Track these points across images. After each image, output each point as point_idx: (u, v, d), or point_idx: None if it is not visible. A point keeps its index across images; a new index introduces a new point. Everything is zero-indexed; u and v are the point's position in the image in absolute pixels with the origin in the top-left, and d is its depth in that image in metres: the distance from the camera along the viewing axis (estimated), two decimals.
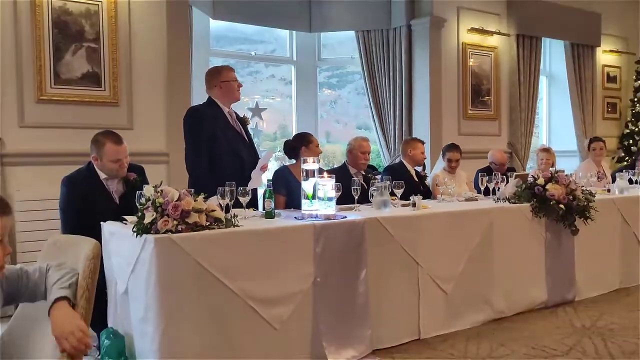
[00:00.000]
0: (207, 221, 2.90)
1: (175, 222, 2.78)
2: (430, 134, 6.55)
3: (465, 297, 3.91)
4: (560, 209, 4.28)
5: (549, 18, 7.63)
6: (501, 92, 7.43)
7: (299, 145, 4.41)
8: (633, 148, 8.38)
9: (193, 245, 2.81)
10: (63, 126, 4.64)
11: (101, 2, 4.77)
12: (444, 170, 5.48)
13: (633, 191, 5.25)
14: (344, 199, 3.70)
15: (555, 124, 8.61)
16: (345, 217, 3.45)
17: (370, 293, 3.44)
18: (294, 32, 6.72)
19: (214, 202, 3.11)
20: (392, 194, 4.10)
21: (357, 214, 3.63)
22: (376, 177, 4.54)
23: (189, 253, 2.80)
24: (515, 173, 4.79)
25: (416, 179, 5.12)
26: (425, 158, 5.28)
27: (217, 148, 3.85)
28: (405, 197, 4.14)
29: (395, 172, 4.87)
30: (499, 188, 4.53)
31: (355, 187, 3.76)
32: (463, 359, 3.41)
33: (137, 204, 2.89)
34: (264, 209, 3.50)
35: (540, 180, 4.32)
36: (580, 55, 8.14)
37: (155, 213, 2.78)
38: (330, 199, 3.37)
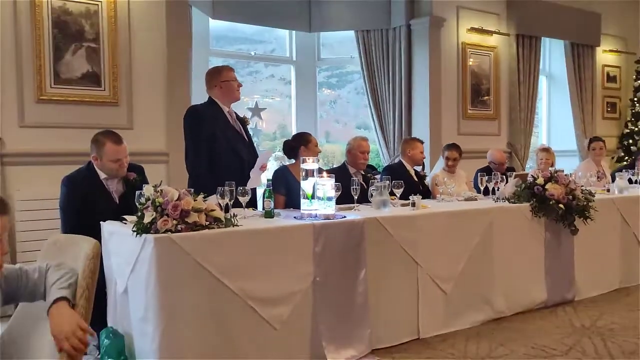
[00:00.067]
0: (206, 221, 2.90)
1: (174, 222, 2.78)
2: (429, 133, 6.55)
3: (465, 297, 3.91)
4: (559, 209, 4.28)
5: (548, 18, 7.63)
6: (501, 92, 7.44)
7: (298, 145, 4.42)
8: (633, 148, 8.38)
9: (193, 244, 2.82)
10: (63, 126, 4.65)
11: (101, 2, 4.77)
12: (443, 170, 5.48)
13: (633, 191, 5.25)
14: (343, 198, 3.70)
15: (554, 124, 8.62)
16: (345, 216, 3.46)
17: (369, 293, 3.44)
18: (294, 32, 6.72)
19: (213, 200, 3.12)
20: (392, 193, 4.10)
21: (356, 213, 3.63)
22: (375, 176, 4.54)
23: (189, 253, 2.80)
24: (514, 173, 4.80)
25: (415, 179, 5.12)
26: (424, 158, 5.28)
27: (217, 147, 3.85)
28: (404, 196, 4.14)
29: (395, 171, 4.87)
30: (498, 188, 4.53)
31: (354, 186, 3.76)
32: (462, 359, 3.41)
33: (137, 204, 2.89)
34: (263, 208, 3.51)
35: (540, 180, 4.32)
36: (580, 55, 8.15)
37: (154, 213, 2.78)
38: (329, 199, 3.37)
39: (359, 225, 3.43)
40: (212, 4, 5.79)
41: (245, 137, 4.08)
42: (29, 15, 4.50)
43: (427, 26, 6.54)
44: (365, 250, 3.44)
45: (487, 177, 4.61)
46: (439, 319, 3.79)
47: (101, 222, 3.25)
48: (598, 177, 5.89)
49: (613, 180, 5.59)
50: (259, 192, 3.90)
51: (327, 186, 3.36)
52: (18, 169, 4.51)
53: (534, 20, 7.51)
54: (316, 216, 3.34)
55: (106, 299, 3.21)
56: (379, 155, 6.80)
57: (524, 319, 4.11)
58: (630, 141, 8.49)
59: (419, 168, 5.34)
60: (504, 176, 4.65)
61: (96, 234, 2.87)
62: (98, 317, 2.86)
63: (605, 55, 8.66)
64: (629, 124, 8.60)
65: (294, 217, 3.42)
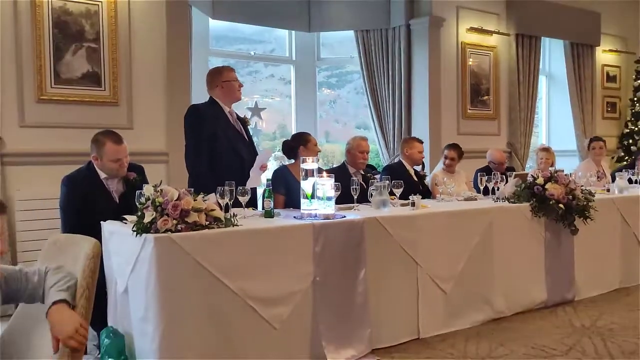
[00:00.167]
0: (206, 220, 2.91)
1: (174, 222, 2.79)
2: (429, 133, 6.55)
3: (465, 297, 3.91)
4: (559, 209, 4.28)
5: (548, 17, 7.64)
6: (500, 92, 7.44)
7: (297, 145, 4.42)
8: (633, 148, 8.38)
9: (193, 244, 2.82)
10: (63, 126, 4.65)
11: (101, 2, 4.78)
12: (443, 170, 5.48)
13: (633, 191, 5.25)
14: (343, 198, 3.70)
15: (554, 124, 8.62)
16: (345, 216, 3.46)
17: (369, 292, 3.44)
18: (293, 31, 6.73)
19: (213, 198, 3.12)
20: (391, 193, 4.11)
21: (356, 213, 3.63)
22: (375, 176, 4.54)
23: (189, 252, 2.80)
24: (514, 173, 4.80)
25: (415, 179, 5.12)
26: (422, 157, 5.26)
27: (217, 147, 3.86)
28: (404, 196, 4.14)
29: (395, 171, 4.87)
30: (498, 188, 4.53)
31: (354, 186, 3.77)
32: (462, 359, 3.41)
33: (137, 204, 2.89)
34: (263, 208, 3.51)
35: (540, 180, 4.32)
36: (580, 55, 8.15)
37: (154, 212, 2.78)
38: (329, 199, 3.37)
39: (359, 225, 3.43)
40: (212, 4, 5.79)
41: (246, 137, 4.09)
42: (29, 16, 4.50)
43: (427, 26, 6.54)
44: (365, 250, 3.44)
45: (486, 177, 4.60)
46: (438, 318, 3.79)
47: (101, 222, 3.25)
48: (598, 177, 5.90)
49: (613, 180, 5.59)
50: (259, 191, 3.90)
51: (327, 186, 3.36)
52: (18, 168, 4.51)
53: (533, 20, 7.52)
54: (316, 216, 3.34)
55: (106, 298, 3.21)
56: (379, 155, 6.81)
57: (524, 319, 4.11)
58: (630, 141, 8.49)
59: (418, 168, 5.33)
60: (504, 176, 4.65)
61: (96, 234, 2.87)
62: (98, 316, 2.87)
63: (605, 55, 8.66)
64: (629, 123, 8.60)
65: (294, 217, 3.42)
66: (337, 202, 3.51)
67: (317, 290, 3.25)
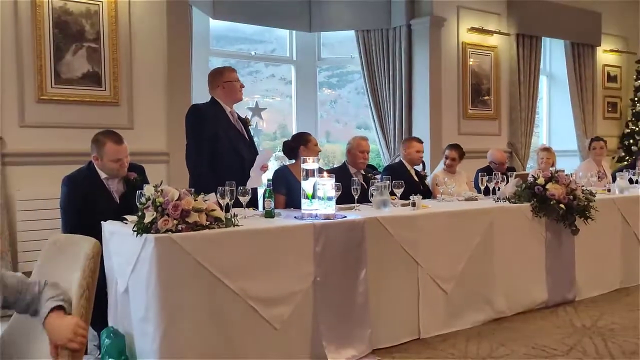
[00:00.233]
0: (207, 220, 2.90)
1: (175, 222, 2.78)
2: (430, 133, 6.55)
3: (466, 297, 3.91)
4: (560, 209, 4.28)
5: (549, 17, 7.63)
6: (501, 92, 7.44)
7: (297, 145, 4.41)
8: (633, 148, 8.39)
9: (193, 244, 2.82)
10: (63, 126, 4.65)
11: (101, 2, 4.78)
12: (443, 170, 5.48)
13: (633, 191, 5.25)
14: (343, 198, 3.70)
15: (555, 124, 8.62)
16: (345, 216, 3.46)
17: (370, 293, 3.44)
18: (294, 31, 6.73)
19: (213, 198, 3.12)
20: (392, 193, 4.10)
21: (357, 213, 3.63)
22: (376, 176, 4.54)
23: (189, 252, 2.80)
24: (515, 173, 4.80)
25: (416, 179, 5.12)
26: (420, 157, 5.22)
27: (219, 147, 3.86)
28: (405, 196, 4.14)
29: (395, 171, 4.87)
30: (499, 188, 4.53)
31: (355, 186, 3.77)
32: (463, 359, 3.41)
33: (138, 204, 2.89)
34: (264, 208, 3.51)
35: (541, 180, 4.32)
36: (581, 55, 8.15)
37: (155, 212, 2.78)
38: (330, 199, 3.37)
39: (360, 225, 3.43)
40: (213, 4, 5.79)
41: (247, 137, 4.09)
42: (29, 15, 4.50)
43: (428, 26, 6.54)
44: (366, 250, 3.44)
45: (487, 177, 4.60)
46: (439, 319, 3.78)
47: (102, 222, 3.25)
48: (599, 177, 5.90)
49: (614, 180, 5.59)
50: (260, 192, 3.90)
51: (328, 186, 3.36)
52: (19, 168, 4.51)
53: (534, 20, 7.51)
54: (317, 216, 3.34)
55: (107, 299, 3.21)
56: (380, 155, 6.80)
57: (525, 319, 4.11)
58: (631, 141, 8.49)
59: (419, 168, 5.33)
60: (505, 176, 4.65)
61: (97, 234, 2.87)
62: (99, 317, 2.87)
63: (606, 55, 8.66)
64: (630, 123, 8.60)
65: (295, 217, 3.42)
66: (337, 202, 3.51)
67: (318, 291, 3.25)
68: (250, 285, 2.99)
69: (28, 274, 2.24)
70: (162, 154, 5.08)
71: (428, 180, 5.34)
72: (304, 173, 3.39)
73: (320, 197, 3.36)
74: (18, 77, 4.50)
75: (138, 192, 2.98)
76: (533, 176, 4.43)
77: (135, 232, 2.78)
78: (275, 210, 3.53)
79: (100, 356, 2.96)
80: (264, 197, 3.51)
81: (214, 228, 2.93)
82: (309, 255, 3.22)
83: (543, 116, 8.66)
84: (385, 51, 6.62)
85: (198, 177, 3.81)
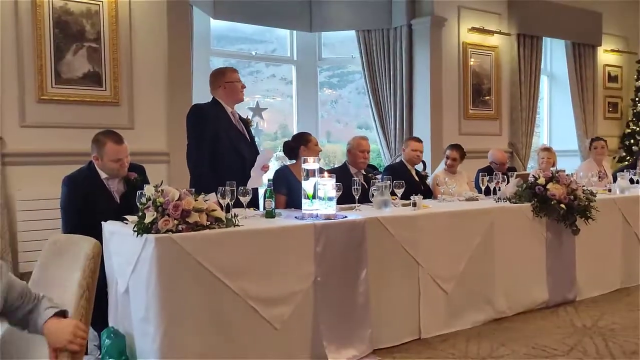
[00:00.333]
0: (207, 221, 2.90)
1: (175, 222, 2.78)
2: (430, 133, 6.55)
3: (466, 297, 3.91)
4: (561, 209, 4.28)
5: (549, 17, 7.63)
6: (502, 92, 7.43)
7: (298, 145, 4.41)
8: (634, 148, 8.38)
9: (194, 244, 2.82)
10: (64, 126, 4.65)
11: (102, 2, 4.77)
12: (444, 170, 5.48)
13: (634, 191, 5.25)
14: (344, 198, 3.70)
15: (556, 124, 8.61)
16: (346, 216, 3.45)
17: (370, 293, 3.44)
18: (295, 31, 6.72)
19: (214, 198, 3.12)
20: (393, 193, 4.10)
21: (357, 213, 3.63)
22: (377, 176, 4.54)
23: (190, 253, 2.80)
24: (516, 173, 4.80)
25: (417, 179, 5.12)
26: (418, 156, 5.19)
27: (220, 147, 3.86)
28: (405, 196, 4.14)
29: (396, 171, 4.87)
30: (499, 188, 4.52)
31: (355, 186, 3.76)
32: (463, 359, 3.41)
33: (138, 204, 2.89)
34: (264, 208, 3.51)
35: (541, 180, 4.32)
36: (581, 55, 8.14)
37: (155, 213, 2.78)
38: (330, 199, 3.37)
39: (360, 225, 3.43)
40: (213, 3, 5.79)
41: (248, 138, 4.09)
42: (30, 15, 4.50)
43: (428, 26, 6.53)
44: (367, 250, 3.44)
45: (488, 177, 4.60)
46: (440, 319, 3.78)
47: (102, 222, 3.25)
48: (599, 177, 5.89)
49: (614, 180, 5.58)
50: (260, 192, 3.90)
51: (328, 186, 3.36)
52: (19, 168, 4.51)
53: (535, 20, 7.51)
54: (317, 216, 3.34)
55: (107, 299, 3.21)
56: (380, 155, 6.80)
57: (525, 319, 4.11)
58: (632, 141, 8.49)
59: (420, 168, 5.33)
60: (505, 176, 4.64)
61: (97, 234, 2.88)
62: (99, 317, 2.87)
63: (607, 55, 8.65)
64: (631, 123, 8.60)
65: (295, 217, 3.42)
66: (338, 202, 3.51)
67: (318, 291, 3.25)
68: (250, 286, 2.99)
69: (28, 274, 2.24)
70: (162, 154, 5.07)
71: (429, 180, 5.34)
72: (304, 173, 3.39)
73: (320, 197, 3.36)
74: (18, 77, 4.49)
75: (138, 192, 2.98)
76: (534, 176, 4.43)
77: (136, 232, 2.78)
78: (276, 211, 3.53)
79: (100, 356, 2.96)
80: (264, 197, 3.51)
81: (214, 228, 2.93)
82: (310, 255, 3.22)
83: (544, 116, 8.66)
84: (386, 51, 6.61)
85: (199, 177, 3.81)
